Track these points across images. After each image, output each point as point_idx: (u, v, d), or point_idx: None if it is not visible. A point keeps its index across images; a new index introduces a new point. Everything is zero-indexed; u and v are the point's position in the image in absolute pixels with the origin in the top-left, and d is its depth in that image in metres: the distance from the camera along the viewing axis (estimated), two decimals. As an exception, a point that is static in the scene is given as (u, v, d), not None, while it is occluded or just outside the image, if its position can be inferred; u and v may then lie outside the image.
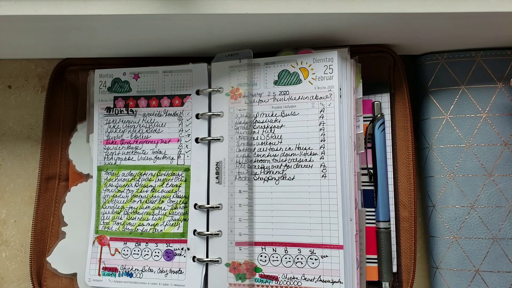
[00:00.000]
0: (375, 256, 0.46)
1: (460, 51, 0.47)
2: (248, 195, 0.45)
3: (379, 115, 0.47)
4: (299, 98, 0.45)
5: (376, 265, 0.46)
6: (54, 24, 0.42)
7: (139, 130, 0.49)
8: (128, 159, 0.49)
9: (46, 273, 0.50)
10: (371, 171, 0.47)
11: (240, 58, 0.46)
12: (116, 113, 0.49)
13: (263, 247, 0.44)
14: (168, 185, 0.47)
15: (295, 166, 0.44)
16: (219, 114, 0.47)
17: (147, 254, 0.47)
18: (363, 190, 0.47)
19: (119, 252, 0.48)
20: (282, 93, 0.45)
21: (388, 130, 0.47)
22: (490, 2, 0.38)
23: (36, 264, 0.49)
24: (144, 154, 0.48)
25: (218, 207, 0.46)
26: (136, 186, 0.48)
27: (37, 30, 0.44)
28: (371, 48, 0.47)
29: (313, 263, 0.43)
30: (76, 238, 0.50)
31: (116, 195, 0.48)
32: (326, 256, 0.42)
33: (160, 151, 0.48)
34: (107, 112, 0.50)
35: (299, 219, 0.43)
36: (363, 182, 0.47)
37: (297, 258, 0.43)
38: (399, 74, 0.48)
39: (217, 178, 0.46)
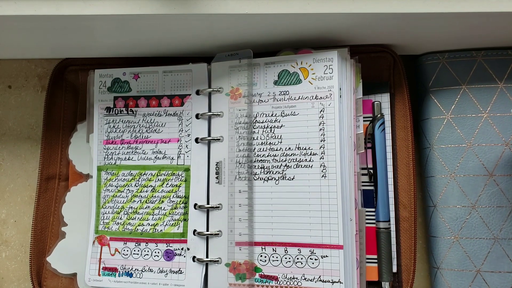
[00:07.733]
0: (375, 256, 0.46)
1: (461, 51, 0.47)
2: (248, 195, 0.45)
3: (379, 115, 0.47)
4: (299, 98, 0.45)
5: (376, 265, 0.46)
6: (54, 24, 0.42)
7: (139, 130, 0.49)
8: (128, 159, 0.49)
9: (46, 273, 0.50)
10: (371, 171, 0.47)
11: (240, 58, 0.46)
12: (116, 113, 0.49)
13: (263, 247, 0.44)
14: (168, 185, 0.47)
15: (295, 166, 0.44)
16: (219, 114, 0.47)
17: (147, 254, 0.47)
18: (363, 190, 0.47)
19: (119, 252, 0.48)
20: (282, 93, 0.45)
21: (388, 130, 0.47)
22: (490, 2, 0.38)
23: (36, 264, 0.49)
24: (144, 154, 0.48)
25: (218, 207, 0.46)
26: (136, 186, 0.48)
27: (37, 30, 0.44)
28: (371, 48, 0.47)
29: (313, 263, 0.43)
30: (76, 238, 0.50)
31: (116, 195, 0.48)
32: (326, 256, 0.42)
33: (160, 151, 0.48)
34: (107, 112, 0.50)
35: (299, 219, 0.43)
36: (363, 182, 0.47)
37: (297, 258, 0.43)
38: (399, 74, 0.47)
39: (217, 178, 0.46)
